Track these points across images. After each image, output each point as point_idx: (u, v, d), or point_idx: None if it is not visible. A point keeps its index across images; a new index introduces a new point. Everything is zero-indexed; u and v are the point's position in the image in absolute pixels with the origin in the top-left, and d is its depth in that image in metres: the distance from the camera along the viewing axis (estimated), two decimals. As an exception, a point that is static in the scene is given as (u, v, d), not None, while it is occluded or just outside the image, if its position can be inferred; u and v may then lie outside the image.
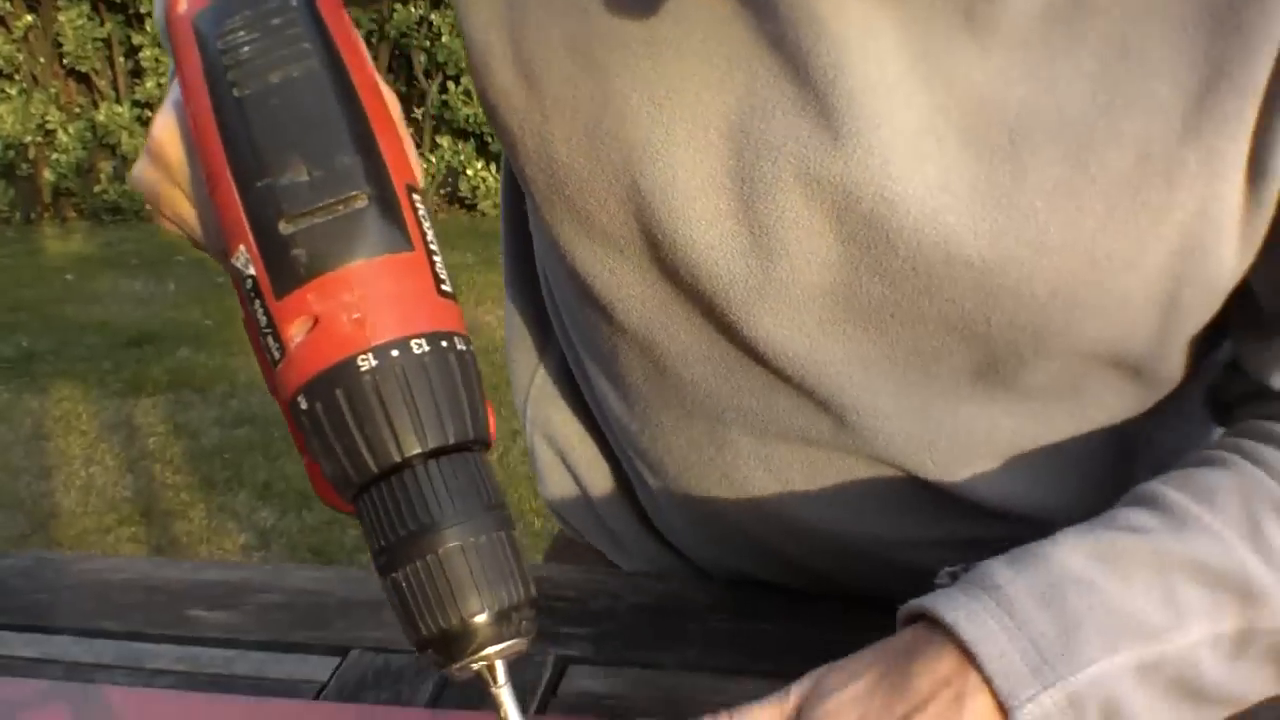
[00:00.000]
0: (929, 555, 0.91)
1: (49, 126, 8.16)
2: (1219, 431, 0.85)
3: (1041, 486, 0.87)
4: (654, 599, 0.98)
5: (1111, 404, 0.84)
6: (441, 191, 7.93)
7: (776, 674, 0.86)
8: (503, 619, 0.55)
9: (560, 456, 1.09)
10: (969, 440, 0.84)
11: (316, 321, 0.55)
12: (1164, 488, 0.74)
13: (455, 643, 0.55)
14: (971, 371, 0.80)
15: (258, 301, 0.57)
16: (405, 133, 0.64)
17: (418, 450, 0.55)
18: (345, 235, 0.56)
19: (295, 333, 0.56)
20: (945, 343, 0.78)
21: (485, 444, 0.58)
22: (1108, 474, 0.89)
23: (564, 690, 0.86)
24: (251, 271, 0.57)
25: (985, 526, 0.88)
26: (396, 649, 0.91)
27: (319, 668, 0.90)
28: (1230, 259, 0.73)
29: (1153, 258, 0.73)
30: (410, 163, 0.61)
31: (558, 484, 1.11)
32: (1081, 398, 0.82)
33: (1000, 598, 0.67)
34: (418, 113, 7.85)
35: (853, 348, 0.80)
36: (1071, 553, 0.69)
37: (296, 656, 0.92)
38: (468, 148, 7.68)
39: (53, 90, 8.21)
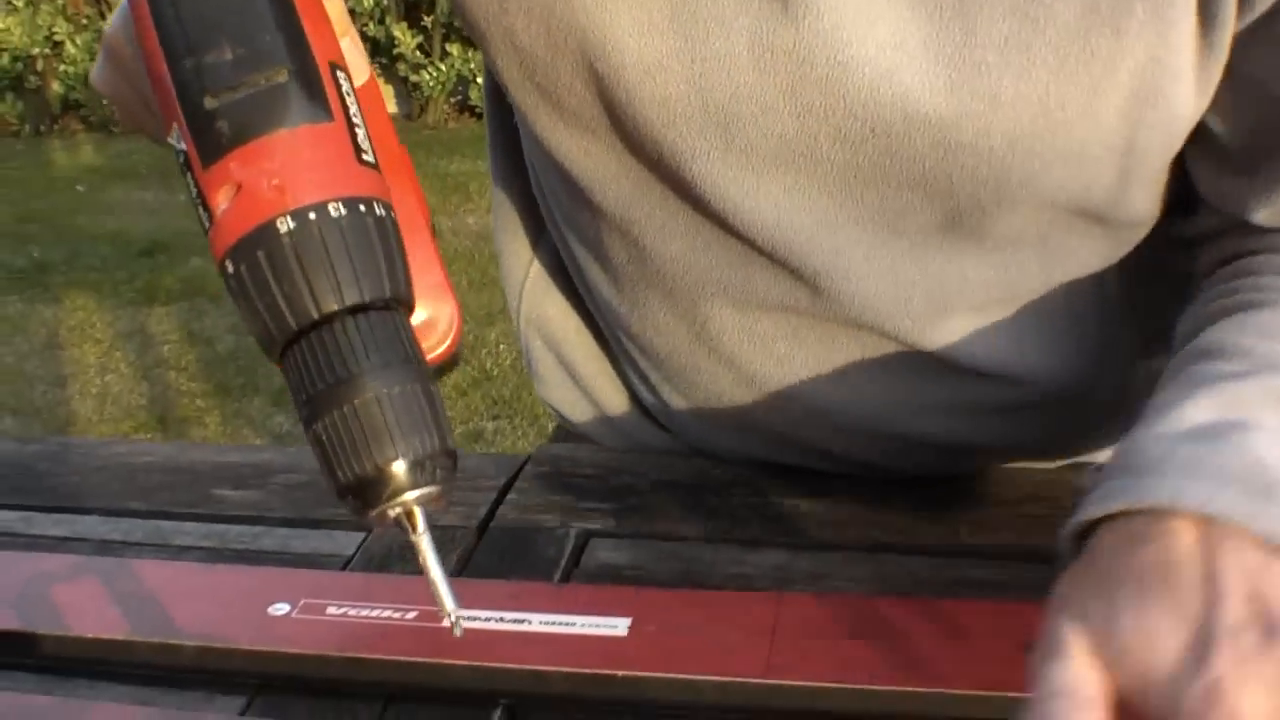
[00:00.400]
0: (929, 423, 0.92)
1: (56, 38, 8.13)
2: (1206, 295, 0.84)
3: (1024, 346, 0.88)
4: (673, 475, 0.99)
5: (1081, 253, 0.84)
6: (451, 100, 7.90)
7: (796, 546, 0.88)
8: (418, 466, 0.57)
9: (555, 353, 1.09)
10: (942, 296, 0.84)
11: (240, 188, 0.57)
12: (1222, 335, 0.72)
13: (371, 488, 0.57)
14: (938, 226, 0.80)
15: (189, 174, 0.59)
16: (344, 22, 0.66)
17: (335, 307, 0.56)
18: (266, 107, 0.58)
19: (221, 200, 0.58)
20: (909, 200, 0.78)
21: (406, 304, 0.60)
22: (1095, 337, 0.90)
23: (586, 562, 0.88)
24: (182, 146, 0.59)
25: (978, 390, 0.89)
26: (421, 524, 0.93)
27: (344, 543, 0.91)
28: (1186, 103, 0.74)
29: (1106, 105, 0.73)
30: (336, 43, 0.63)
31: (554, 381, 1.11)
32: (1049, 247, 0.83)
33: (1178, 462, 0.61)
34: (427, 20, 7.81)
35: (819, 213, 0.80)
36: (1197, 409, 0.64)
37: (322, 532, 0.93)
38: (477, 55, 7.63)
39: (60, 1, 8.17)
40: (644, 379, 1.01)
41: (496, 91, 1.05)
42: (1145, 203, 0.81)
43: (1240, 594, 0.54)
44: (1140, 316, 0.91)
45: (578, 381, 1.10)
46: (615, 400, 1.09)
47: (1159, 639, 0.54)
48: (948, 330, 0.87)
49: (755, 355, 0.90)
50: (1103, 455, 1.03)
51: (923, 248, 0.82)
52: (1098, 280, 0.87)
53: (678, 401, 0.99)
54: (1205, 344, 0.72)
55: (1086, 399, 0.95)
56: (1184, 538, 0.58)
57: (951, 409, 0.91)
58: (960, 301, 0.85)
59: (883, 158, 0.76)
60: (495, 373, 3.98)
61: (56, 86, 8.24)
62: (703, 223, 0.84)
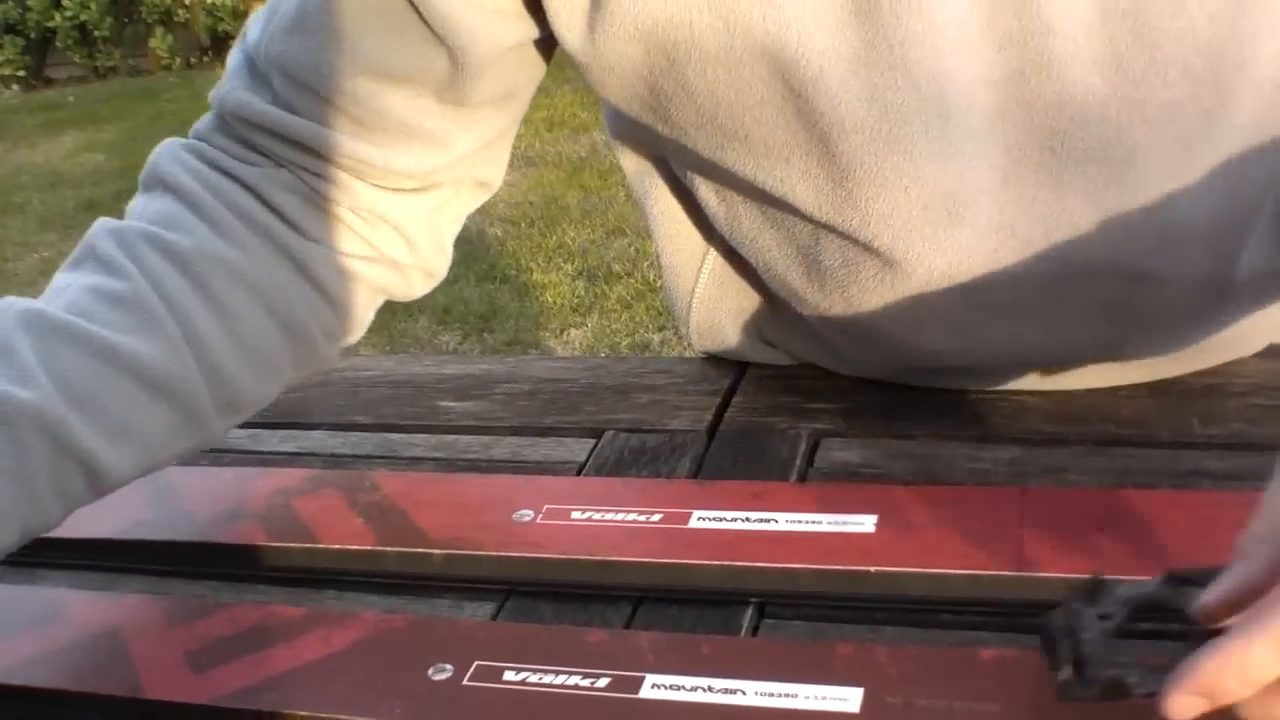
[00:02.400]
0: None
1: (202, -29, 8.23)
2: None
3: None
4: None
5: None
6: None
7: (1029, 441, 0.87)
8: None
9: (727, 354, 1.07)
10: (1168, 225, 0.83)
11: None
12: None
13: None
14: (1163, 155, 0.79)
15: None
16: None
17: None
18: None
19: None
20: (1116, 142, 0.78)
21: None
22: None
23: (819, 462, 0.88)
24: None
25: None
26: (650, 429, 0.93)
27: (575, 449, 0.92)
28: None
29: None
30: None
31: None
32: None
33: None
34: None
35: (1033, 170, 0.80)
36: None
37: (552, 440, 0.94)
38: None
39: (204, -66, 8.27)
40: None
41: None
42: None
43: None
44: None
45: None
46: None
47: None
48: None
49: (980, 327, 0.89)
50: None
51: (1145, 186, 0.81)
52: None
53: (883, 364, 0.98)
54: None
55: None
56: None
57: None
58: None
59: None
60: (659, 284, 3.98)
61: (204, 19, 8.34)
62: (925, 223, 0.83)
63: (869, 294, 0.87)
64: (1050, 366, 0.92)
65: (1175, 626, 0.59)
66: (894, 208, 0.81)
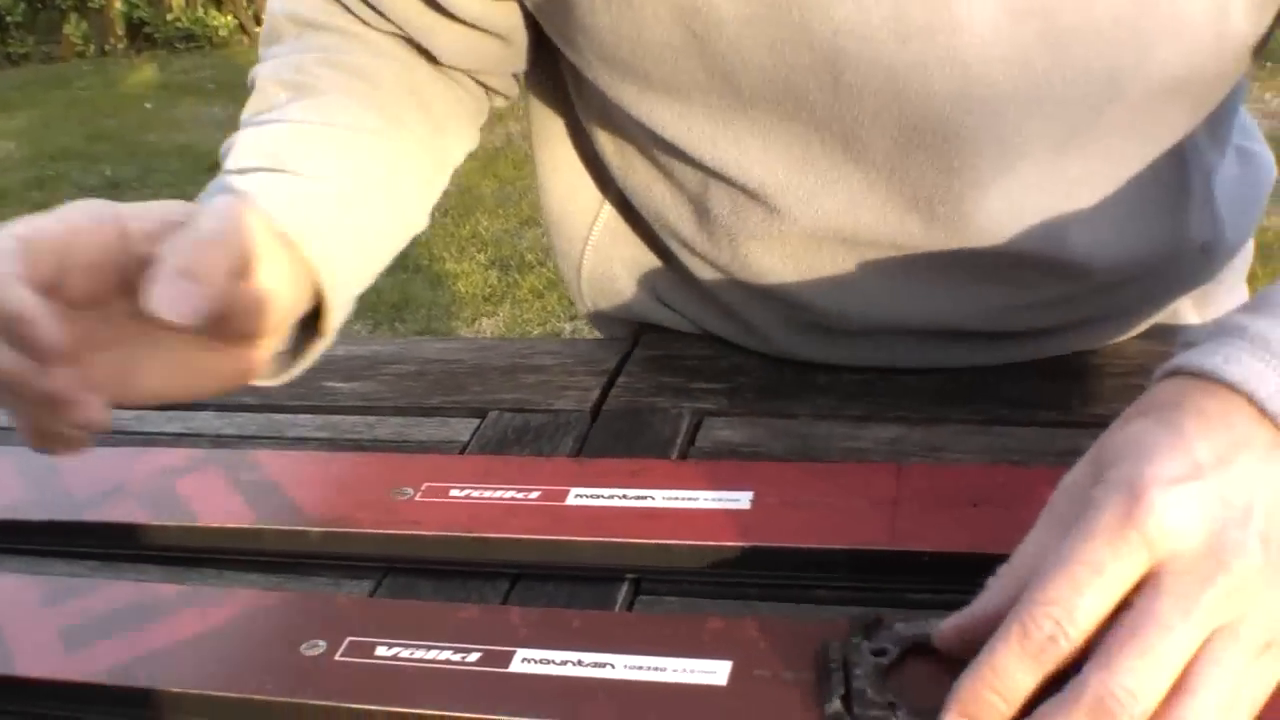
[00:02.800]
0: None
1: (117, -43, 8.13)
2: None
3: (1124, 233, 0.88)
4: (782, 357, 0.99)
5: (1174, 128, 0.85)
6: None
7: (909, 420, 0.88)
8: None
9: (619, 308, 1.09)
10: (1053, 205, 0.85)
11: None
12: None
13: None
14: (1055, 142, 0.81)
15: None
16: None
17: None
18: None
19: None
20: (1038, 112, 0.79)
21: None
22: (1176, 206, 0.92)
23: (702, 441, 0.88)
24: None
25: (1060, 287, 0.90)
26: (535, 409, 0.93)
27: (459, 429, 0.92)
28: None
29: None
30: None
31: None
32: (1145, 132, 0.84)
33: (1254, 338, 0.61)
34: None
35: (938, 136, 0.81)
36: None
37: (436, 420, 0.94)
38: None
39: (117, -79, 8.18)
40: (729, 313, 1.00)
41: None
42: (1231, 71, 0.81)
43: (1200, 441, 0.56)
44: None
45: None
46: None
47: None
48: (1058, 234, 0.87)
49: (864, 285, 0.90)
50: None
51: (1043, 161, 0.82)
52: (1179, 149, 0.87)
53: (772, 325, 0.98)
54: None
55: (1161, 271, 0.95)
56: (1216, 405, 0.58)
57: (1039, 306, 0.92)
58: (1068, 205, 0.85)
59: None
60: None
61: (119, 5, 8.25)
62: (820, 157, 0.83)
63: (756, 243, 0.88)
64: (934, 336, 0.93)
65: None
66: (788, 148, 0.82)
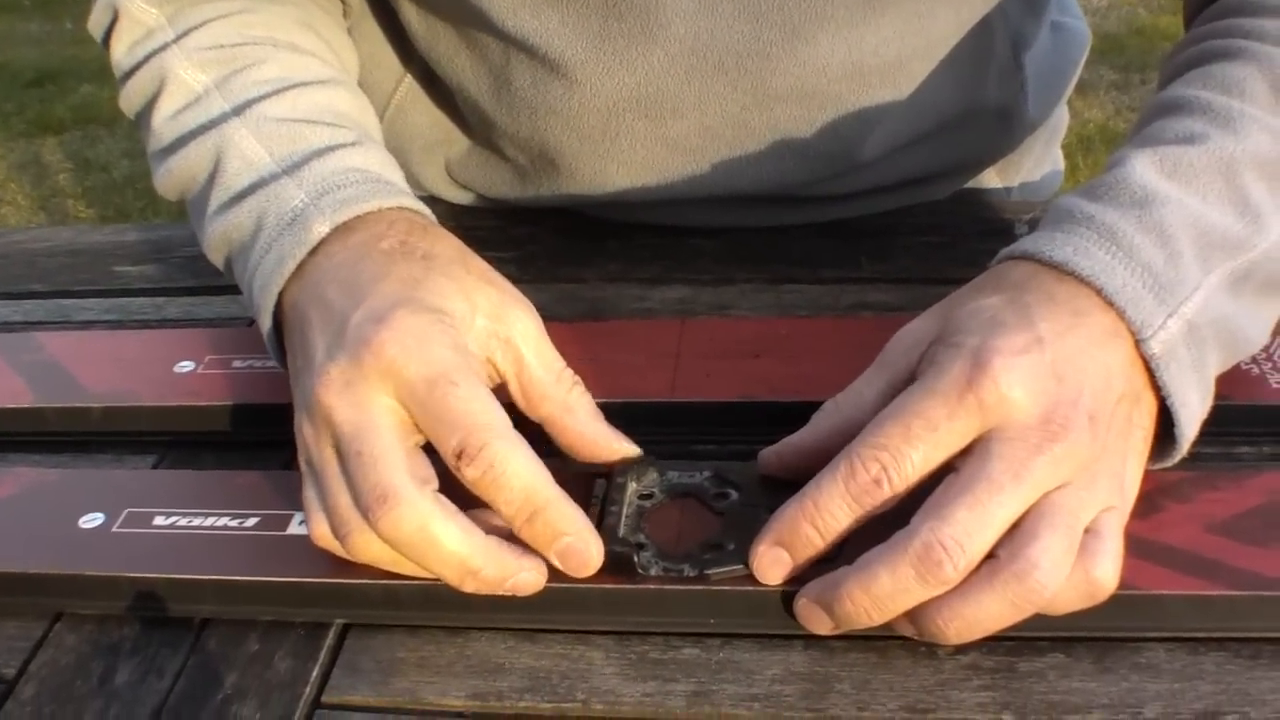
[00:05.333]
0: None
1: None
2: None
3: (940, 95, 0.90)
4: (575, 223, 1.00)
5: None
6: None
7: (698, 281, 0.88)
8: None
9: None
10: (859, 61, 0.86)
11: None
12: (1189, 90, 0.71)
13: None
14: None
15: None
16: None
17: None
18: None
19: None
20: None
21: None
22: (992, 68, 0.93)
23: (491, 308, 0.88)
24: None
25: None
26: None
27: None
28: None
29: None
30: None
31: None
32: None
33: (1101, 229, 0.62)
34: None
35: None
36: (1146, 171, 0.64)
37: (226, 297, 0.93)
38: None
39: None
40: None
41: None
42: None
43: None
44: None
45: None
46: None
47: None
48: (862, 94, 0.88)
49: (662, 160, 0.91)
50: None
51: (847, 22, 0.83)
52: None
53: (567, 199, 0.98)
54: (1171, 98, 0.72)
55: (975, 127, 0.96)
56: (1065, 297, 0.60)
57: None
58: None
59: None
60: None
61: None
62: (618, 33, 0.83)
63: (556, 117, 0.88)
64: (726, 200, 0.94)
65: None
66: (585, 19, 0.81)
